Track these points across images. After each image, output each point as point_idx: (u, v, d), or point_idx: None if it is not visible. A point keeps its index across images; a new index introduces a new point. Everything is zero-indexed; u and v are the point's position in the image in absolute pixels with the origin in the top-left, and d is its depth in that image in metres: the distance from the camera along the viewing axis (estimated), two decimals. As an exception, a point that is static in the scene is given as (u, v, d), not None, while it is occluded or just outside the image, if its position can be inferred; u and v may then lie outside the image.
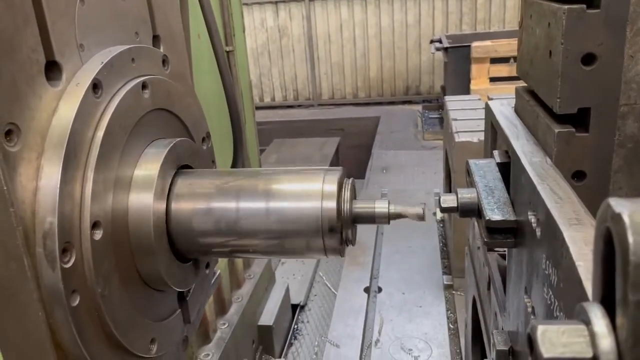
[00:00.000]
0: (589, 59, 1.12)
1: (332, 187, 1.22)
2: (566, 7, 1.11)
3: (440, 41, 8.22)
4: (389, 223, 1.24)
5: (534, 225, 1.02)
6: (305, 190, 1.24)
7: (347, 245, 1.25)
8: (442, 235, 4.86)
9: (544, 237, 0.96)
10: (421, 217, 1.22)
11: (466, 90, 7.11)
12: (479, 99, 4.49)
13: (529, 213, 1.06)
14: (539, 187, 1.02)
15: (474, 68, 7.26)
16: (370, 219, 1.24)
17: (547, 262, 0.94)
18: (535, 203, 1.03)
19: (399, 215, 1.23)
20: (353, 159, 8.49)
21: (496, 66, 7.14)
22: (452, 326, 3.69)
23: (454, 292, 4.00)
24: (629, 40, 1.08)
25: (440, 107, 8.05)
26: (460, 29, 9.91)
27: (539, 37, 1.31)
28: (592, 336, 0.46)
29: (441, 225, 5.01)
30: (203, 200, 1.28)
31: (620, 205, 0.44)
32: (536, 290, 1.03)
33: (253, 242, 1.28)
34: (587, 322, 0.47)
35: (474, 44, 7.21)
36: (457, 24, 10.00)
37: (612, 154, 1.16)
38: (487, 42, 7.20)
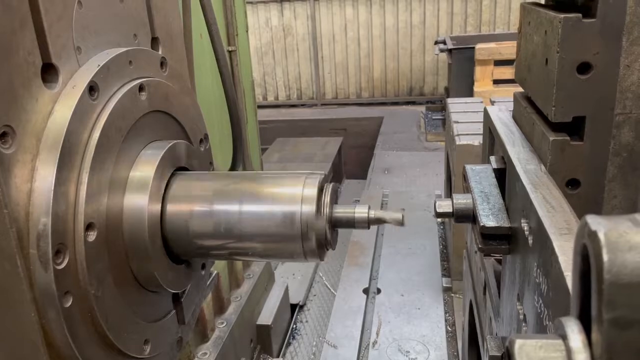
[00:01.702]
0: (584, 67, 1.12)
1: (312, 191, 1.23)
2: (562, 15, 1.10)
3: (444, 42, 8.21)
4: (369, 228, 1.25)
5: (526, 233, 1.02)
6: (286, 194, 1.25)
7: (327, 249, 1.26)
8: (442, 237, 4.85)
9: (536, 246, 0.96)
10: (400, 223, 1.23)
11: (470, 92, 7.10)
12: (481, 102, 4.48)
13: (522, 221, 1.06)
14: (532, 195, 1.02)
15: (478, 70, 7.24)
16: (350, 223, 1.25)
17: (538, 270, 0.94)
18: (528, 211, 1.03)
19: (378, 221, 1.24)
20: (355, 159, 8.49)
21: (500, 68, 7.12)
22: (450, 329, 3.68)
23: (452, 294, 4.00)
24: (625, 49, 1.08)
25: (444, 108, 8.03)
26: (464, 31, 9.89)
27: (536, 44, 1.31)
28: (569, 351, 0.46)
29: (442, 227, 5.00)
30: (196, 202, 1.29)
31: (596, 223, 0.44)
32: (528, 298, 1.03)
33: (233, 244, 1.28)
34: (564, 337, 0.48)
35: (478, 46, 7.19)
36: (462, 25, 9.98)
37: (607, 163, 1.16)
38: (491, 44, 7.18)
